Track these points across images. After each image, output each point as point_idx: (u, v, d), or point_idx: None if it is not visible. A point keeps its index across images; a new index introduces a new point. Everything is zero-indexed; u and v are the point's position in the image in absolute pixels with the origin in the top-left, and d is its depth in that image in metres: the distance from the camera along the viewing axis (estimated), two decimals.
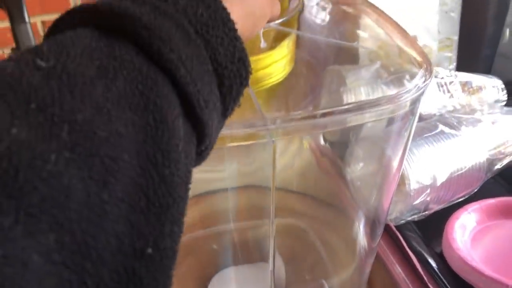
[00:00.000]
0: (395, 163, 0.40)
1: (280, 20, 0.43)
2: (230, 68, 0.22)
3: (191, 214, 0.56)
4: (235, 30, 0.22)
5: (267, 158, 0.46)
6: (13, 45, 0.94)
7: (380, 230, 0.44)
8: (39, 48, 0.17)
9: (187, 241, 0.55)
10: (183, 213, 0.19)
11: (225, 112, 0.23)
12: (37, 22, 1.02)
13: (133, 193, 0.16)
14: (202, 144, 0.21)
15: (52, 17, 1.14)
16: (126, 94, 0.17)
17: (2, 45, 1.05)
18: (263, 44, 0.40)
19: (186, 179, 0.19)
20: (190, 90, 0.19)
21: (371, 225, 0.45)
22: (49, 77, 0.16)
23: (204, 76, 0.20)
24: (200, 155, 0.22)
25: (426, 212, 0.51)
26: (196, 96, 0.19)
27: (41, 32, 1.04)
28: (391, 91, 0.44)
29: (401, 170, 0.49)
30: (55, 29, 0.20)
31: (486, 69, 0.76)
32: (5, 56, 1.10)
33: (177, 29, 0.20)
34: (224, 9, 0.22)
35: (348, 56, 0.54)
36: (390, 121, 0.40)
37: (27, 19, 0.90)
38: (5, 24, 1.00)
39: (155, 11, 0.19)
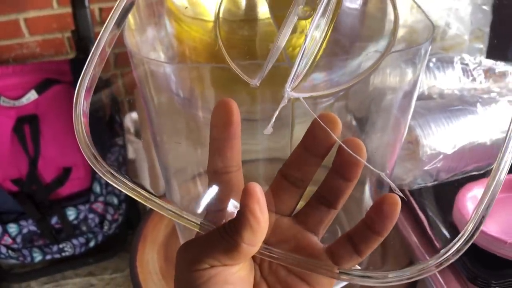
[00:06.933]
0: (403, 126, 0.44)
1: None
2: None
3: None
4: None
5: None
6: (73, 28, 1.04)
7: (385, 190, 0.48)
8: None
9: None
10: None
11: None
12: (95, 8, 1.12)
13: None
14: None
15: (109, 4, 1.24)
16: None
17: (62, 29, 1.15)
18: None
19: None
20: None
21: (377, 186, 0.49)
22: None
23: None
24: None
25: (438, 180, 0.54)
26: None
27: (98, 18, 1.14)
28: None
29: (417, 137, 0.53)
30: None
31: None
32: (65, 39, 1.20)
33: None
34: None
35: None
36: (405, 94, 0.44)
37: (87, 5, 1.00)
38: (67, 9, 1.10)
39: None
